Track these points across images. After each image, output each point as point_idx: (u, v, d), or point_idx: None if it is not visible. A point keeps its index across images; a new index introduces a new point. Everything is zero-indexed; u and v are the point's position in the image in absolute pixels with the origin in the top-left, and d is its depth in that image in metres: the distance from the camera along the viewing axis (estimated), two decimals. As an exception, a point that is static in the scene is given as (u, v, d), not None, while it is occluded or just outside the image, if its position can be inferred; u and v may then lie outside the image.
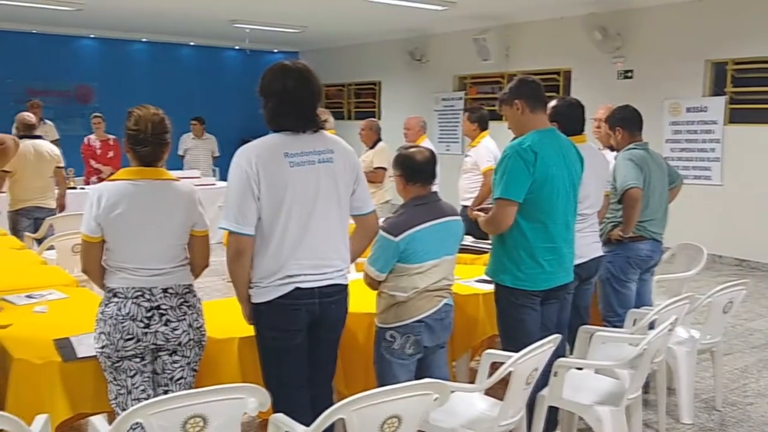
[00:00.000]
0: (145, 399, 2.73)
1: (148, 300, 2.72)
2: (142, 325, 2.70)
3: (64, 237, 5.42)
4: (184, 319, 2.78)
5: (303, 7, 10.14)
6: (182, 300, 2.79)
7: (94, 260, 2.79)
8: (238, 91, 14.71)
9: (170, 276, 2.77)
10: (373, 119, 7.60)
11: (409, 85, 13.11)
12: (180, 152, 10.51)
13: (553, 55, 10.53)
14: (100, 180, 9.12)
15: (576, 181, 3.39)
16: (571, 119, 3.83)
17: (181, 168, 10.43)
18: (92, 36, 13.19)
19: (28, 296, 3.69)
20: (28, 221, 6.29)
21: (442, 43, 12.32)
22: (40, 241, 5.86)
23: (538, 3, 9.64)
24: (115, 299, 2.73)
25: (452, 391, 2.61)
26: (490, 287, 3.87)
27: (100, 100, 13.01)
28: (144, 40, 13.76)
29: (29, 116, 6.71)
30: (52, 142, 8.22)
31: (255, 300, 2.77)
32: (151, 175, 2.77)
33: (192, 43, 14.27)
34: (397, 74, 13.32)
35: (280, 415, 2.50)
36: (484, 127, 6.15)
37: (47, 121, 9.51)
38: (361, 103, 14.38)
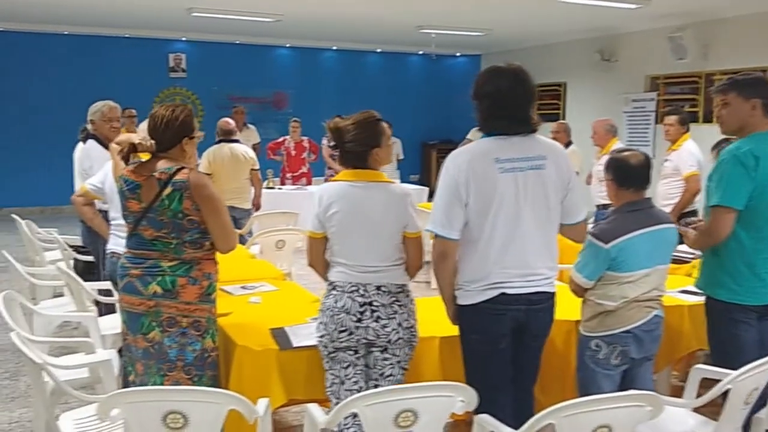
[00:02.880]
0: (357, 390, 2.86)
1: (362, 295, 2.84)
2: (354, 318, 2.83)
3: (267, 234, 5.81)
4: (394, 318, 2.85)
5: (490, 10, 10.12)
6: (394, 299, 2.87)
7: (318, 255, 2.98)
8: (421, 96, 15.00)
9: (384, 274, 2.87)
10: (564, 121, 7.43)
11: (596, 86, 12.67)
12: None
13: (758, 52, 9.72)
14: (295, 180, 9.70)
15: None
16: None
17: (367, 170, 10.81)
18: (288, 45, 13.98)
19: (243, 287, 3.99)
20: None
21: (634, 41, 11.78)
22: (240, 237, 6.29)
23: (743, -3, 8.96)
24: (334, 292, 2.89)
25: (663, 406, 2.50)
26: (696, 299, 3.67)
27: (293, 106, 13.77)
28: (334, 48, 14.37)
29: (227, 121, 7.16)
30: (253, 145, 8.83)
31: (460, 302, 2.80)
32: (368, 177, 2.89)
33: (378, 50, 14.70)
34: (583, 75, 12.91)
35: (487, 416, 2.52)
36: (686, 129, 5.83)
37: (250, 125, 10.21)
38: (544, 105, 14.08)
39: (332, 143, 2.99)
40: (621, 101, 11.99)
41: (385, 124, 2.97)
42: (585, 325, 3.07)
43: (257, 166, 6.99)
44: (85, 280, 4.77)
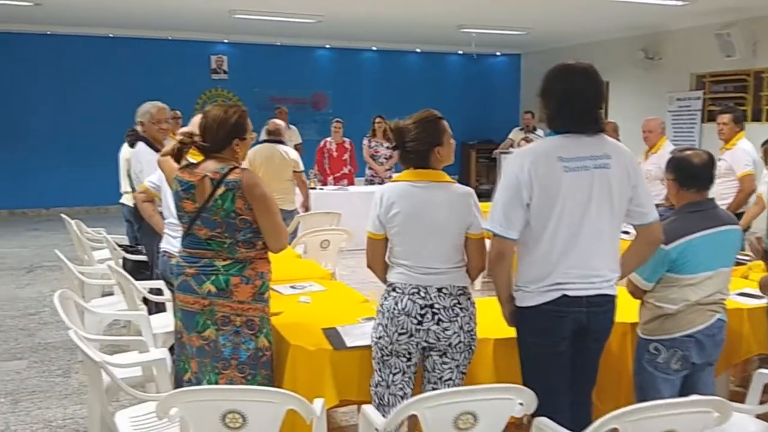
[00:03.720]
0: (401, 397, 2.85)
1: (423, 297, 2.80)
2: (415, 321, 2.79)
3: (312, 233, 5.81)
4: (456, 321, 2.81)
5: (531, 8, 10.02)
6: (456, 301, 2.83)
7: (378, 256, 2.94)
8: (460, 95, 14.91)
9: (445, 276, 2.83)
10: (612, 120, 7.31)
11: (640, 85, 12.47)
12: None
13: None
14: (336, 180, 9.69)
15: None
16: None
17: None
18: (328, 46, 14.02)
19: (292, 287, 3.99)
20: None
21: (679, 39, 11.56)
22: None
23: (796, -9, 8.73)
24: (394, 293, 2.85)
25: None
26: (756, 302, 3.58)
27: (333, 106, 13.81)
28: (374, 48, 14.38)
29: (275, 122, 7.18)
30: (295, 146, 8.86)
31: (519, 303, 2.75)
32: (430, 177, 2.85)
33: (418, 50, 14.66)
34: (626, 73, 12.71)
35: (546, 419, 2.47)
36: (742, 128, 5.70)
37: (291, 126, 10.24)
38: (585, 105, 13.91)
39: (393, 144, 2.95)
40: (665, 100, 11.79)
41: (445, 122, 2.93)
42: (644, 328, 3.00)
43: (300, 168, 6.95)
44: (135, 279, 4.84)
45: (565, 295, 2.65)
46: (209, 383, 2.94)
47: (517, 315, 2.78)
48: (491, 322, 3.03)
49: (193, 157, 3.21)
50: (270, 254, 3.08)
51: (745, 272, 4.33)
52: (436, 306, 2.80)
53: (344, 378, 3.01)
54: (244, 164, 6.51)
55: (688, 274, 2.86)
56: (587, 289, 2.66)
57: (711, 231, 2.88)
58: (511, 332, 2.86)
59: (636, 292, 3.01)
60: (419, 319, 2.79)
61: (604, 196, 2.64)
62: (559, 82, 2.69)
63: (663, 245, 2.84)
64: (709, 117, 10.83)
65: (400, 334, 2.81)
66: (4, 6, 9.52)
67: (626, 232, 5.68)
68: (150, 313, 4.37)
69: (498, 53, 15.35)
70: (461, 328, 2.82)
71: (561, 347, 2.72)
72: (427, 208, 2.81)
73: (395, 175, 3.11)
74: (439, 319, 2.80)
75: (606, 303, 2.73)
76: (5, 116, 11.95)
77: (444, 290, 2.82)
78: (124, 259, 5.51)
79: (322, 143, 9.83)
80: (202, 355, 2.95)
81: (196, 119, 3.84)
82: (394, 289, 2.86)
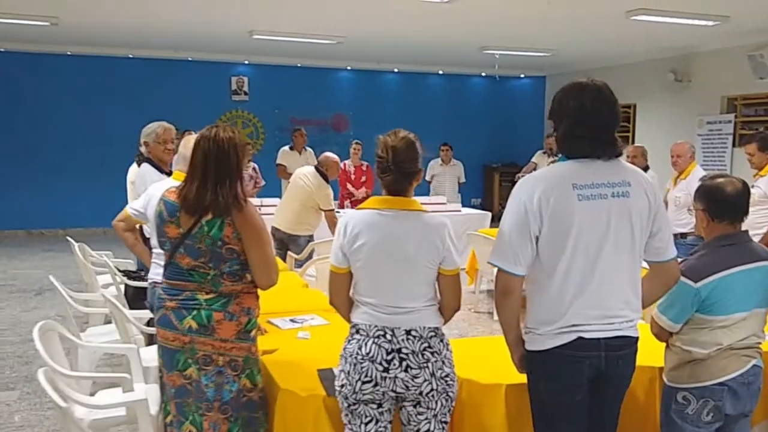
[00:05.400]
0: None
1: (389, 341, 2.51)
2: (381, 368, 2.49)
3: (323, 260, 5.57)
4: (427, 367, 2.51)
5: (556, 29, 9.78)
6: (426, 345, 2.52)
7: (341, 292, 2.65)
8: (484, 118, 14.70)
9: (415, 316, 2.53)
10: (640, 145, 7.01)
11: (668, 108, 12.12)
12: (427, 178, 10.68)
13: None
14: (354, 204, 9.46)
15: None
16: None
17: (427, 193, 10.56)
18: (349, 68, 13.89)
19: (292, 320, 3.74)
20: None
21: (710, 60, 11.22)
22: (300, 264, 6.09)
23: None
24: (357, 336, 2.56)
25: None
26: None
27: (354, 128, 13.63)
28: (396, 70, 14.21)
29: (329, 156, 6.98)
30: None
31: (530, 347, 2.47)
32: (400, 204, 2.57)
33: (440, 72, 14.46)
34: (655, 96, 12.38)
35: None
36: (771, 154, 5.39)
37: (308, 148, 10.07)
38: (612, 128, 13.59)
39: (382, 164, 2.61)
40: (695, 123, 11.43)
41: None
42: (670, 375, 2.70)
43: (330, 207, 6.67)
44: (136, 307, 4.63)
45: (580, 338, 2.37)
46: (193, 424, 2.71)
47: (527, 360, 2.50)
48: (503, 363, 2.73)
49: (177, 179, 3.00)
50: (274, 284, 2.84)
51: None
52: (404, 351, 2.50)
53: (339, 426, 2.73)
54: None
55: (720, 315, 2.57)
56: (605, 330, 2.38)
57: (745, 267, 2.58)
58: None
59: (661, 334, 2.71)
60: (385, 365, 2.49)
61: (623, 228, 2.37)
62: (570, 100, 2.42)
63: (692, 282, 2.55)
64: (741, 141, 10.45)
65: (363, 383, 2.50)
66: (21, 26, 9.50)
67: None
68: (150, 343, 4.15)
69: (522, 75, 15.09)
70: (433, 374, 2.51)
71: (577, 396, 2.44)
72: (396, 240, 2.52)
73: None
74: (408, 366, 2.49)
75: (627, 346, 2.45)
76: (25, 136, 11.94)
77: (413, 332, 2.52)
78: (126, 285, 5.33)
79: (341, 165, 9.63)
80: (184, 395, 2.71)
81: (189, 140, 3.65)
82: (357, 331, 2.57)
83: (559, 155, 2.49)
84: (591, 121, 2.37)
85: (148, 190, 3.75)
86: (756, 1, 7.73)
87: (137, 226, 3.95)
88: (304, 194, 6.59)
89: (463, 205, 10.42)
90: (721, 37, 10.01)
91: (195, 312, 2.68)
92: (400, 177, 2.57)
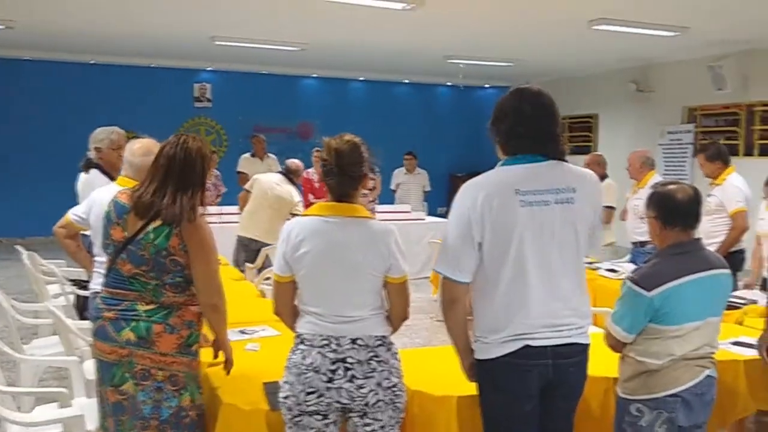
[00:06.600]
0: None
1: (334, 351, 2.43)
2: (325, 378, 2.41)
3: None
4: (372, 377, 2.43)
5: (519, 39, 9.82)
6: (372, 354, 2.45)
7: (285, 301, 2.57)
8: (449, 127, 14.73)
9: (361, 324, 2.46)
10: (599, 153, 7.04)
11: (630, 118, 12.25)
12: (392, 186, 10.64)
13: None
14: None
15: None
16: None
17: (392, 202, 10.50)
18: (314, 75, 13.81)
19: (242, 331, 3.63)
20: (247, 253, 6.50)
21: (671, 72, 11.36)
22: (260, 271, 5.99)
23: (788, 25, 8.51)
24: (302, 346, 2.48)
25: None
26: (754, 352, 3.23)
27: (319, 136, 13.50)
28: (361, 78, 14.17)
29: (298, 163, 7.27)
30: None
31: (479, 356, 2.41)
32: (345, 211, 2.49)
33: (406, 81, 14.47)
34: (617, 106, 12.51)
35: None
36: (726, 163, 5.42)
37: (270, 155, 9.95)
38: (575, 137, 13.69)
39: (326, 168, 2.53)
40: (656, 133, 11.56)
41: None
42: (624, 386, 2.65)
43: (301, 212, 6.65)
44: (87, 318, 4.47)
45: (527, 346, 2.32)
46: (130, 443, 2.58)
47: (477, 369, 2.44)
48: (456, 374, 2.65)
49: (122, 185, 2.89)
50: (226, 293, 2.73)
51: (739, 317, 3.98)
52: (349, 360, 2.42)
53: (285, 440, 2.64)
54: (247, 186, 6.45)
55: (674, 324, 2.53)
56: (553, 338, 2.34)
57: (698, 276, 2.54)
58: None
59: (615, 345, 2.66)
60: (330, 375, 2.41)
61: (567, 235, 2.34)
62: (509, 102, 2.45)
63: (646, 291, 2.51)
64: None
65: (308, 394, 2.41)
66: (-27, 29, 9.27)
67: (613, 270, 5.46)
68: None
69: (486, 85, 15.15)
70: (379, 384, 2.43)
71: (527, 406, 2.38)
72: (340, 248, 2.44)
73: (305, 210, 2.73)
74: (353, 376, 2.41)
75: (576, 354, 2.40)
76: (-18, 144, 11.65)
77: (359, 341, 2.44)
78: (77, 295, 5.17)
79: (305, 174, 9.54)
80: (119, 411, 2.59)
81: (136, 146, 3.54)
82: (302, 342, 2.49)
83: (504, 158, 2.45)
84: (530, 120, 2.38)
85: (91, 195, 3.63)
86: (714, 14, 7.83)
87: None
88: (278, 202, 6.52)
89: (429, 214, 10.40)
90: (682, 48, 10.14)
91: (134, 323, 2.56)
92: (344, 180, 2.50)
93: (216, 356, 2.85)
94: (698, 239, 2.66)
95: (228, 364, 2.83)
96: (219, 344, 2.82)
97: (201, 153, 2.68)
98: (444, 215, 13.39)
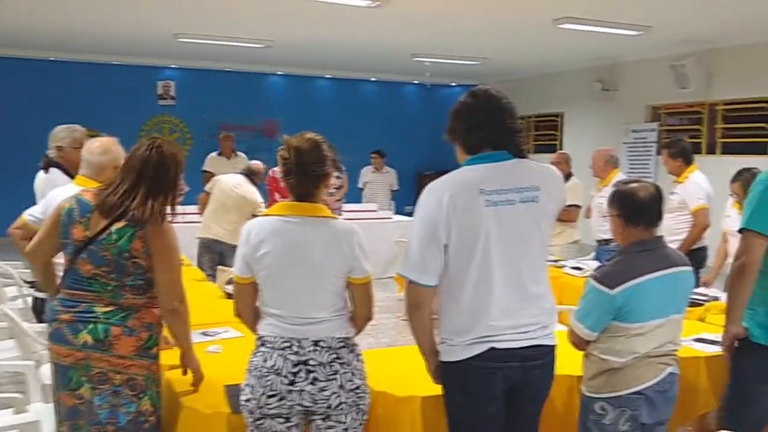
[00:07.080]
0: None
1: (296, 353, 2.39)
2: (286, 381, 2.37)
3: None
4: (335, 379, 2.39)
5: (485, 38, 9.85)
6: (334, 356, 2.41)
7: (246, 303, 2.52)
8: (417, 125, 14.70)
9: (323, 326, 2.42)
10: (564, 151, 7.08)
11: (595, 117, 12.38)
12: (360, 185, 10.60)
13: (763, 82, 9.42)
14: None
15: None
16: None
17: (360, 201, 10.47)
18: (280, 73, 13.70)
19: (204, 333, 3.56)
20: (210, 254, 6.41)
21: (635, 70, 11.50)
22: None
23: (747, 25, 8.65)
24: (263, 349, 2.43)
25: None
26: (715, 349, 3.26)
27: (285, 134, 13.43)
28: (328, 76, 14.10)
29: (260, 165, 7.22)
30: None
31: (444, 358, 2.39)
32: (306, 211, 2.45)
33: (373, 79, 14.44)
34: (582, 105, 12.63)
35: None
36: (689, 161, 5.49)
37: (239, 153, 9.84)
38: (541, 135, 13.80)
39: (285, 167, 2.49)
40: (621, 132, 11.69)
41: None
42: (588, 385, 2.65)
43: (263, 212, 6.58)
44: (45, 321, 4.36)
45: (493, 348, 2.31)
46: (85, 450, 2.51)
47: (442, 371, 2.42)
48: (420, 375, 2.62)
49: (80, 184, 2.80)
50: (187, 295, 2.67)
51: (701, 314, 4.03)
52: (311, 362, 2.38)
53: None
54: (207, 187, 6.36)
55: (636, 322, 2.53)
56: (519, 340, 2.33)
57: (661, 273, 2.55)
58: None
59: (579, 343, 2.66)
60: (291, 378, 2.37)
61: (532, 234, 2.34)
62: (465, 101, 2.45)
63: (608, 289, 2.51)
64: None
65: (269, 397, 2.37)
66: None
67: (578, 268, 5.49)
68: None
69: (453, 84, 15.18)
70: (342, 387, 2.40)
71: (491, 409, 2.37)
72: (301, 248, 2.40)
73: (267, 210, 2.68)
74: (315, 378, 2.37)
75: (543, 355, 2.40)
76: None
77: (321, 343, 2.40)
78: (35, 297, 5.04)
79: (270, 173, 9.44)
80: (75, 416, 2.52)
81: (95, 144, 3.46)
82: (263, 344, 2.44)
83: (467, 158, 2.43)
84: (486, 115, 2.38)
85: (48, 195, 3.53)
86: (676, 13, 7.94)
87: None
88: (243, 202, 6.41)
89: (397, 213, 10.38)
90: (645, 47, 10.27)
91: (91, 326, 2.50)
92: (304, 179, 2.45)
93: (185, 373, 2.77)
94: (660, 237, 2.67)
95: (196, 377, 2.74)
96: (183, 358, 2.74)
97: (175, 159, 2.65)
98: (411, 214, 13.39)
